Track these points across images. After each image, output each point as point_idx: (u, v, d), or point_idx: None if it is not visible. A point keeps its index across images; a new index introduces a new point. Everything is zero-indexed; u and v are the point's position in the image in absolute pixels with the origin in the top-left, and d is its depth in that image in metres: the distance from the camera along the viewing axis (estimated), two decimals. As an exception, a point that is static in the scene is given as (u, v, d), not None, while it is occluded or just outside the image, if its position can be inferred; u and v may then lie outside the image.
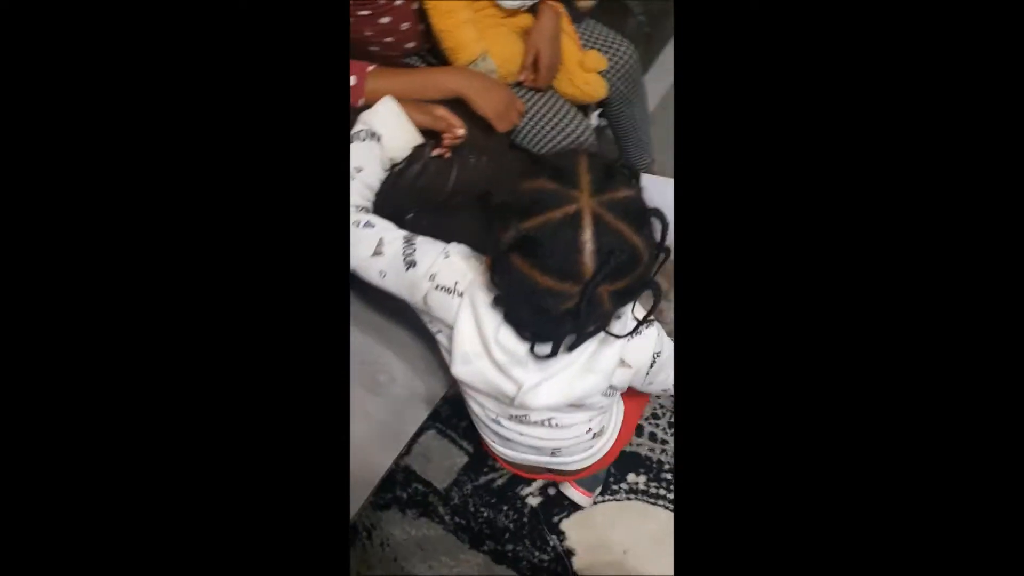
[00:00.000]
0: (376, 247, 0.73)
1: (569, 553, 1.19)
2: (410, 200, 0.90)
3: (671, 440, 1.27)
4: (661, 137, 1.49)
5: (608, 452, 0.95)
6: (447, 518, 1.22)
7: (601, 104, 1.22)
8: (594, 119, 1.25)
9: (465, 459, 1.26)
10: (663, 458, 1.25)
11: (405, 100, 0.84)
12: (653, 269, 0.60)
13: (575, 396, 0.70)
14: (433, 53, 1.06)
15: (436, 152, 0.91)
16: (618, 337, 0.66)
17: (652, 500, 1.22)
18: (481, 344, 0.69)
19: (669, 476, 1.24)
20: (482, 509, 1.22)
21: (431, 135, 0.89)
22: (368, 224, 0.75)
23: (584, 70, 1.11)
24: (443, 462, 1.26)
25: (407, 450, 1.31)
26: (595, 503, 1.21)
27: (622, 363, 0.71)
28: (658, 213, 0.59)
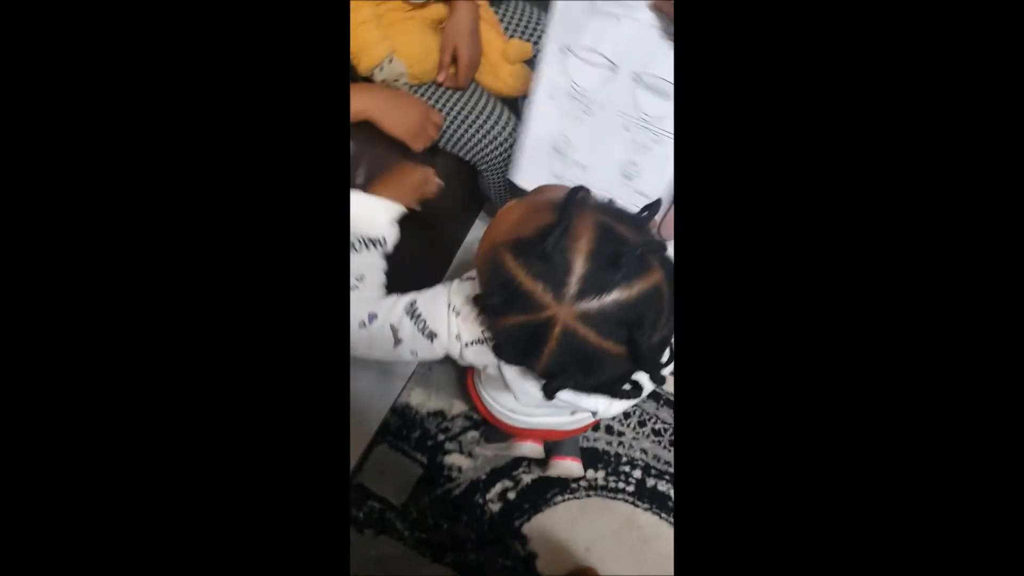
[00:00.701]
0: (394, 336, 0.68)
1: (532, 556, 1.18)
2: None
3: (627, 432, 1.26)
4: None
5: None
6: (406, 533, 1.20)
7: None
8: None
9: (420, 471, 1.23)
10: (620, 451, 1.24)
11: (391, 183, 0.74)
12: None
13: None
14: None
15: None
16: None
17: (612, 495, 1.21)
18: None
19: (627, 469, 1.23)
20: (441, 521, 1.20)
21: None
22: (371, 316, 0.68)
23: (508, 61, 1.00)
24: (397, 477, 1.23)
25: (359, 467, 1.28)
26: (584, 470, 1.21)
27: None
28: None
